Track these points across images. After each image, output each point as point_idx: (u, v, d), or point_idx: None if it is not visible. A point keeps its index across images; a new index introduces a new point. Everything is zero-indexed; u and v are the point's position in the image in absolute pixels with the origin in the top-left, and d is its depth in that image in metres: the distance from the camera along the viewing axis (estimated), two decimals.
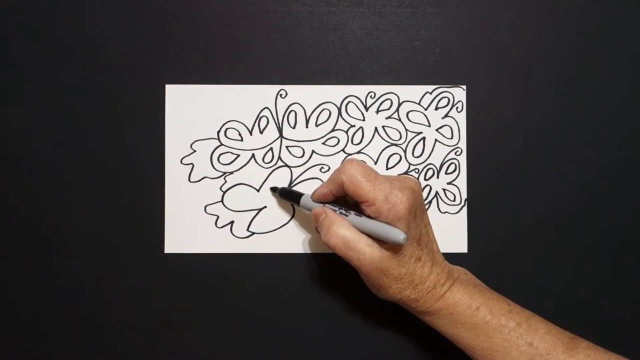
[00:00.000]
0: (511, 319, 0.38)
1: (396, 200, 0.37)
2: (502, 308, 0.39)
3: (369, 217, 0.38)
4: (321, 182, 0.46)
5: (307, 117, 0.46)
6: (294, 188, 0.46)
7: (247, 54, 0.46)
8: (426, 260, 0.39)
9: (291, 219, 0.46)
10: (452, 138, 0.46)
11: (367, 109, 0.46)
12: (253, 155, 0.46)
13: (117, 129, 0.45)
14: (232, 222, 0.46)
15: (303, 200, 0.43)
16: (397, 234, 0.36)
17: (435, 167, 0.46)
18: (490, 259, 0.46)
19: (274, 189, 0.45)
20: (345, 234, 0.38)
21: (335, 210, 0.40)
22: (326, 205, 0.41)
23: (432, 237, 0.40)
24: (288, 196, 0.44)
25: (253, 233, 0.46)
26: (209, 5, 0.46)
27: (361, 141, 0.46)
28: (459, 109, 0.46)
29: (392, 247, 0.38)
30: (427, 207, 0.46)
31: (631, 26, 0.46)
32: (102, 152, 0.45)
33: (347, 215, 0.39)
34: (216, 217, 0.46)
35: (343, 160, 0.45)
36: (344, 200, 0.42)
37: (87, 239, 0.45)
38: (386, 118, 0.46)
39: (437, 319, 0.39)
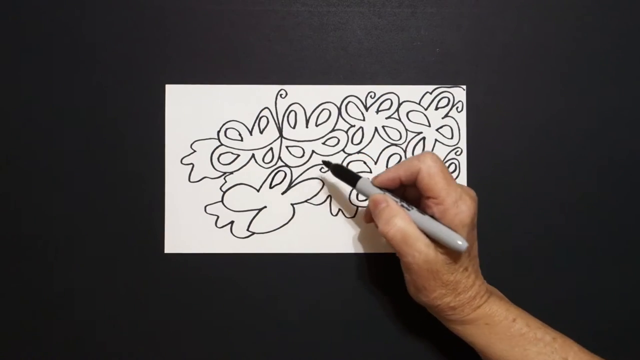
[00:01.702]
0: (547, 333, 0.38)
1: (464, 207, 0.37)
2: (536, 322, 0.39)
3: (431, 216, 0.38)
4: (321, 182, 0.46)
5: (307, 117, 0.46)
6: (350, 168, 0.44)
7: (247, 54, 0.46)
8: (472, 271, 0.39)
9: (291, 219, 0.46)
10: (452, 138, 0.46)
11: (367, 109, 0.46)
12: (253, 155, 0.46)
13: (117, 129, 0.45)
14: (232, 222, 0.46)
15: (361, 183, 0.40)
16: (458, 240, 0.36)
17: None
18: (490, 259, 0.46)
19: (327, 163, 0.43)
20: (407, 228, 0.37)
21: (396, 202, 0.39)
22: (386, 193, 0.39)
23: (476, 251, 0.40)
24: (343, 175, 0.42)
25: (253, 233, 0.46)
26: (209, 5, 0.46)
27: (361, 141, 0.46)
28: (459, 109, 0.46)
29: (448, 252, 0.37)
30: None
31: (631, 26, 0.46)
32: (102, 152, 0.45)
33: (409, 210, 0.38)
34: (216, 217, 0.46)
35: (422, 152, 0.42)
36: (402, 194, 0.41)
37: (87, 239, 0.45)
38: (386, 118, 0.46)
39: (472, 328, 0.39)
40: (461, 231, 0.37)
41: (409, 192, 0.40)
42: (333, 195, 0.46)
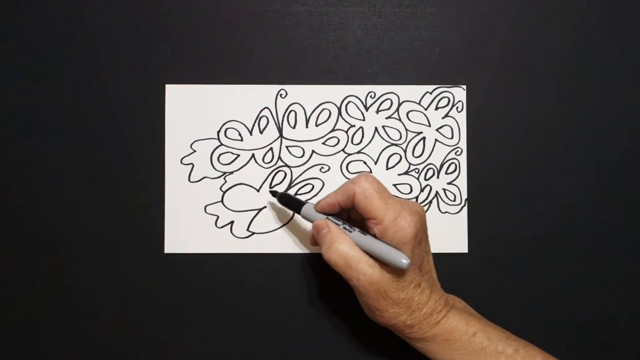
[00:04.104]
0: (509, 345, 0.38)
1: (404, 223, 0.36)
2: (498, 334, 0.38)
3: (374, 236, 0.38)
4: (321, 182, 0.46)
5: (307, 117, 0.46)
6: (295, 194, 0.45)
7: (247, 54, 0.46)
8: (425, 287, 0.38)
9: (291, 219, 0.46)
10: (452, 138, 0.46)
11: (367, 109, 0.46)
12: (253, 155, 0.46)
13: (117, 129, 0.45)
14: (232, 222, 0.46)
15: (305, 209, 0.41)
16: (400, 258, 0.36)
17: (435, 167, 0.46)
18: (491, 258, 0.46)
19: (273, 193, 0.44)
20: (348, 252, 0.38)
21: (338, 225, 0.39)
22: (329, 217, 0.40)
23: (431, 265, 0.40)
24: (288, 203, 0.43)
25: (253, 233, 0.46)
26: (209, 5, 0.46)
27: (361, 141, 0.46)
28: (459, 109, 0.46)
29: (393, 270, 0.37)
30: (427, 207, 0.46)
31: (631, 26, 0.46)
32: (102, 152, 0.45)
33: (350, 232, 0.38)
34: (216, 217, 0.46)
35: (357, 174, 0.42)
36: (348, 216, 0.41)
37: (87, 238, 0.45)
38: (386, 118, 0.46)
39: (432, 345, 0.39)
40: (403, 248, 0.36)
41: (354, 213, 0.40)
42: None
